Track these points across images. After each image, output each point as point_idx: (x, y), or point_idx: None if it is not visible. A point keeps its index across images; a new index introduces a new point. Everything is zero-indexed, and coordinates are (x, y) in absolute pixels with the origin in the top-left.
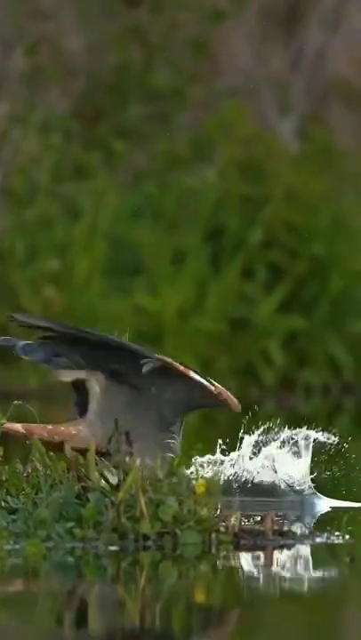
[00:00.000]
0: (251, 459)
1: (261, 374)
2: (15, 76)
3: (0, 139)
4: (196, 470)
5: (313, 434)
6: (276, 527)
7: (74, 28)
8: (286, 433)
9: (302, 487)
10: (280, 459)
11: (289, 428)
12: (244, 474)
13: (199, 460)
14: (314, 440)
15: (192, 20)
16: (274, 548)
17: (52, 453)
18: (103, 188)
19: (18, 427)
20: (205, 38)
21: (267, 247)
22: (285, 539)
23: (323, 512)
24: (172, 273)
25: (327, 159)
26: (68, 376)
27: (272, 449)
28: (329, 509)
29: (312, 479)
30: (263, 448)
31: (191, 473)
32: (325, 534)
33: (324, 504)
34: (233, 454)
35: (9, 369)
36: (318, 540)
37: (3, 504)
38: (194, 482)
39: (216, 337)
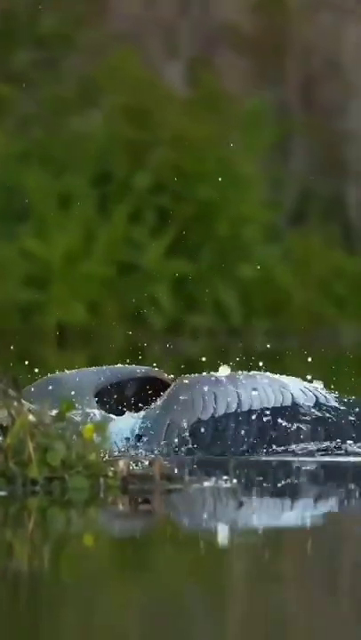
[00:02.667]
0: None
1: (149, 318)
2: None
3: None
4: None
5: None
6: (164, 471)
7: None
8: None
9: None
10: None
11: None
12: None
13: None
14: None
15: None
16: (162, 493)
17: None
18: None
19: None
20: None
21: (154, 192)
22: (173, 483)
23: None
24: (60, 218)
25: (215, 104)
26: None
27: None
28: None
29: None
30: None
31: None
32: (213, 478)
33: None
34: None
35: None
36: (206, 484)
37: None
38: (82, 427)
39: (104, 282)
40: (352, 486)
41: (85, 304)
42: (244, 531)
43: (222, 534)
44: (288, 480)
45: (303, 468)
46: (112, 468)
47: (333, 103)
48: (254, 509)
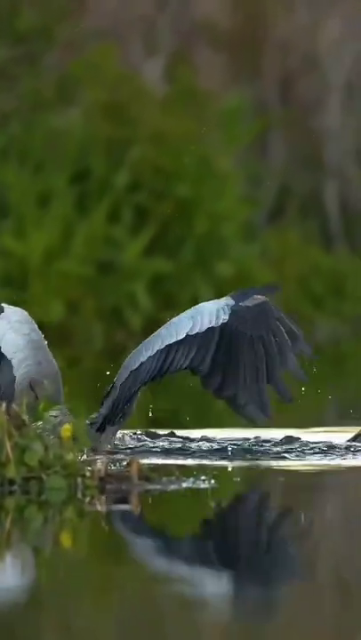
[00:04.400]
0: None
1: (128, 317)
2: None
3: None
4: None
5: None
6: (141, 472)
7: None
8: None
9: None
10: None
11: None
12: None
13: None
14: None
15: None
16: (139, 493)
17: None
18: None
19: None
20: None
21: (133, 190)
22: (151, 483)
23: None
24: (38, 215)
25: (192, 100)
26: None
27: None
28: None
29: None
30: None
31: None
32: (191, 479)
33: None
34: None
35: None
36: (184, 485)
37: None
38: (60, 427)
39: (82, 280)
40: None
41: (64, 303)
42: (219, 533)
43: (198, 536)
44: (269, 483)
45: (275, 468)
46: (89, 468)
47: (311, 99)
48: (231, 510)
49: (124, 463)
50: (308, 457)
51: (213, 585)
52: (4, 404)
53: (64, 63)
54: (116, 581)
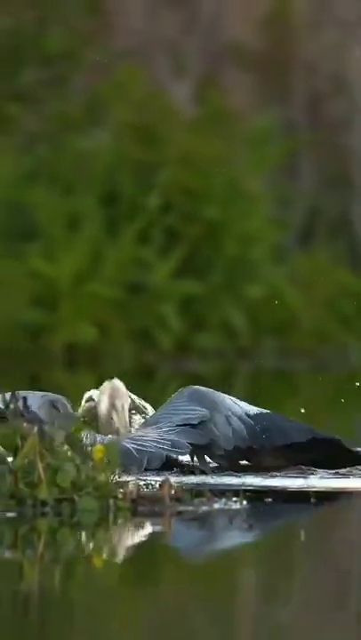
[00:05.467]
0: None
1: (157, 339)
2: None
3: None
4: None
5: None
6: (173, 493)
7: None
8: None
9: None
10: None
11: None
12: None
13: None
14: None
15: None
16: (171, 515)
17: None
18: None
19: None
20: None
21: (162, 211)
22: (183, 505)
23: None
24: (68, 237)
25: (221, 122)
26: None
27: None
28: None
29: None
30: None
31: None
32: (223, 500)
33: None
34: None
35: None
36: (216, 506)
37: None
38: (92, 448)
39: (112, 302)
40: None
41: (94, 324)
42: (251, 552)
43: (231, 556)
44: (299, 503)
45: (310, 490)
46: (122, 490)
47: (339, 120)
48: (262, 531)
49: (156, 484)
50: (336, 478)
51: (246, 605)
52: (35, 426)
53: (92, 85)
54: (149, 604)
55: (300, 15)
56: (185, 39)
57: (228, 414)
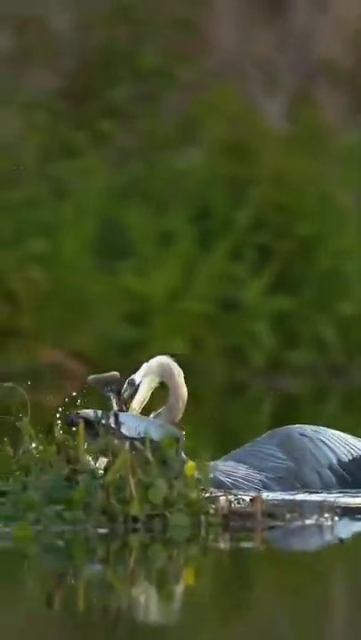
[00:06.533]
0: None
1: (250, 355)
2: (1, 56)
3: None
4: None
5: None
6: (265, 509)
7: (61, 7)
8: None
9: None
10: None
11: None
12: None
13: None
14: None
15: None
16: (263, 530)
17: (41, 436)
18: (91, 168)
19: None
20: (192, 18)
21: (254, 228)
22: (275, 520)
23: None
24: (160, 254)
25: (315, 139)
26: None
27: None
28: None
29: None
30: None
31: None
32: (315, 516)
33: None
34: None
35: None
36: (308, 521)
37: None
38: (184, 464)
39: (204, 318)
40: None
41: (186, 340)
42: (344, 568)
43: (324, 572)
44: None
45: None
46: (213, 506)
47: None
48: (354, 546)
49: (248, 500)
50: None
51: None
52: (127, 442)
53: (185, 102)
54: (241, 620)
55: None
56: (278, 56)
57: (317, 469)
